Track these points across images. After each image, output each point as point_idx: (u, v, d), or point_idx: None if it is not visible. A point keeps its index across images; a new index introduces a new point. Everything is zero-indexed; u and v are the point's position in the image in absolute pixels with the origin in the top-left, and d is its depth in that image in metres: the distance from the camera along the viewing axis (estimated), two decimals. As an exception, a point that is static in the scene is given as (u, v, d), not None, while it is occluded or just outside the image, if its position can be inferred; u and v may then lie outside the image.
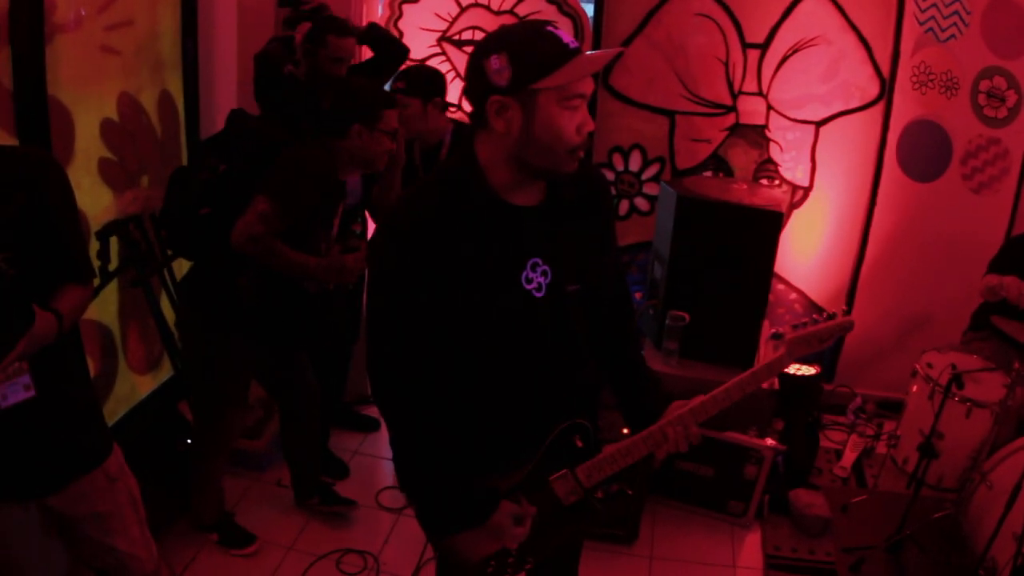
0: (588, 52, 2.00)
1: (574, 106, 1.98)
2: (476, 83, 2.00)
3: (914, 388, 4.56)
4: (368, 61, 4.48)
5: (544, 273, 2.15)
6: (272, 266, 3.37)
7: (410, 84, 4.13)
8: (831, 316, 2.26)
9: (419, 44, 5.11)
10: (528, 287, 2.14)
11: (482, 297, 2.09)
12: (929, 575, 4.00)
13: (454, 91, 5.15)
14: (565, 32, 2.00)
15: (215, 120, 4.53)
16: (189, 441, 4.05)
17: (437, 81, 4.16)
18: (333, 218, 3.57)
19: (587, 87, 2.00)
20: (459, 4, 5.11)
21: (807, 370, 4.88)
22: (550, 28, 1.99)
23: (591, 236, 2.29)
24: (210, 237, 3.39)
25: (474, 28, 5.17)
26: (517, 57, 1.93)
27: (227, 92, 4.69)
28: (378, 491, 4.46)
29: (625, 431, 2.41)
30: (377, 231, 2.17)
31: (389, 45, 4.48)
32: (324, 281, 3.52)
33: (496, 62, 1.94)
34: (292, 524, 4.21)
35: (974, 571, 3.54)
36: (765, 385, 4.32)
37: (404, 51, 4.55)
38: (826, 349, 5.18)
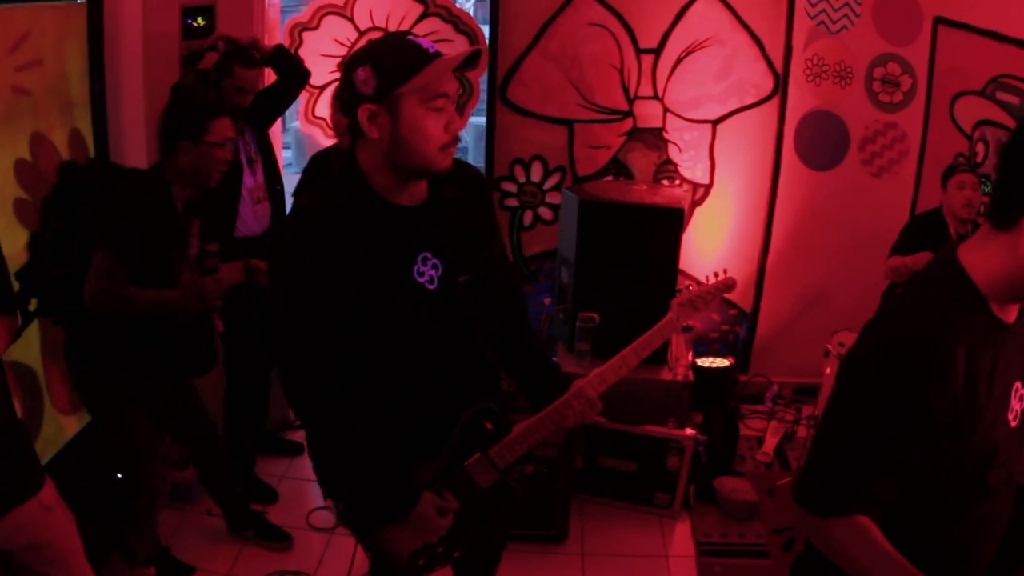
0: (445, 55, 2.11)
1: (438, 107, 2.10)
2: (348, 95, 2.13)
3: (828, 369, 4.65)
4: (271, 86, 4.50)
5: (435, 266, 2.28)
6: (134, 312, 3.30)
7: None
8: (716, 277, 2.50)
9: (320, 70, 5.14)
10: (420, 280, 2.25)
11: (378, 293, 2.19)
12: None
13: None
14: (425, 40, 2.12)
15: (123, 157, 4.55)
16: (119, 476, 4.02)
17: None
18: (186, 242, 3.47)
19: (449, 87, 2.12)
20: (357, 29, 5.17)
21: (721, 362, 4.99)
22: (410, 37, 2.12)
23: (476, 228, 2.41)
24: (68, 296, 3.32)
25: (374, 52, 5.20)
26: (380, 67, 2.06)
27: (136, 129, 4.67)
28: (308, 512, 4.47)
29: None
30: (272, 241, 2.26)
31: (293, 69, 4.51)
32: (189, 310, 3.40)
33: (362, 73, 2.07)
34: (227, 552, 4.20)
35: None
36: (680, 378, 4.46)
37: (306, 75, 4.58)
38: (737, 339, 5.34)
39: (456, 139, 2.18)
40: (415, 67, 2.04)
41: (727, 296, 5.54)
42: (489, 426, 2.40)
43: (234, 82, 4.10)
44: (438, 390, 2.35)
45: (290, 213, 2.26)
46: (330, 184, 2.30)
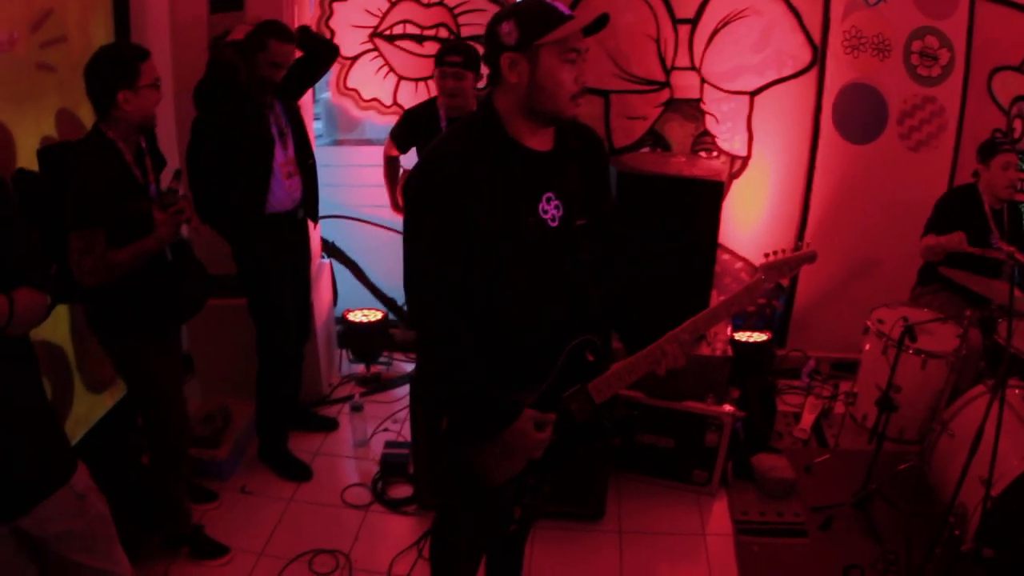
0: (582, 15, 2.35)
1: (571, 59, 2.36)
2: (492, 46, 2.42)
3: (867, 345, 4.59)
4: (300, 59, 4.41)
5: (557, 207, 2.54)
6: (125, 271, 3.32)
7: (467, 59, 4.39)
8: (799, 247, 2.52)
9: (351, 41, 5.15)
10: (544, 216, 2.51)
11: (506, 222, 2.43)
12: (899, 527, 4.06)
13: (388, 86, 5.19)
14: (562, 3, 2.37)
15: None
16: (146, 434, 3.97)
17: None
18: (144, 188, 3.47)
19: (580, 43, 2.38)
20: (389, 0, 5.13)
21: (758, 336, 4.94)
22: (549, 0, 2.37)
23: (592, 179, 2.68)
24: (70, 285, 3.32)
25: (405, 22, 5.20)
26: (523, 21, 2.34)
27: (164, 100, 4.64)
28: (343, 489, 4.46)
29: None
30: (416, 166, 2.50)
31: (322, 47, 4.47)
32: (164, 244, 3.45)
33: (506, 27, 2.35)
34: (262, 529, 4.20)
35: (944, 519, 3.58)
36: (719, 353, 4.41)
37: (335, 50, 4.53)
38: (776, 314, 5.30)
39: (583, 90, 2.42)
40: (553, 23, 2.31)
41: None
42: (591, 358, 2.63)
43: (268, 56, 4.04)
44: (547, 320, 2.58)
45: (429, 147, 2.48)
46: (467, 125, 2.51)
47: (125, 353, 3.62)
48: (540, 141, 2.50)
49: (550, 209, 2.51)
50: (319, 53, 4.43)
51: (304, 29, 4.44)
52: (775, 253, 2.51)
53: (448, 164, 2.41)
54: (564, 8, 2.36)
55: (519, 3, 2.41)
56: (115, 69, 3.27)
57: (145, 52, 3.38)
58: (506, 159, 2.44)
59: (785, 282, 5.64)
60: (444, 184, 2.39)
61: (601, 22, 2.34)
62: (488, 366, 2.48)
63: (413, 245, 2.49)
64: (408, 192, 2.49)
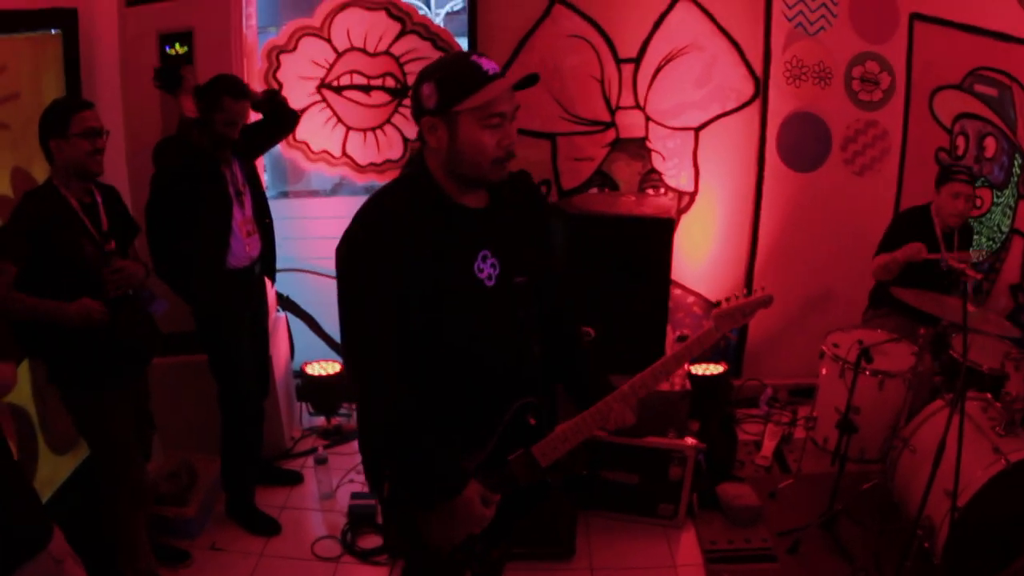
0: (504, 78, 2.26)
1: (494, 124, 2.25)
2: (415, 107, 2.33)
3: (824, 370, 4.65)
4: (259, 121, 4.47)
5: (494, 265, 2.42)
6: (20, 318, 3.30)
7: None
8: (753, 292, 2.46)
9: (299, 93, 5.15)
10: (480, 276, 2.39)
11: (440, 283, 2.32)
12: (867, 544, 4.12)
13: (336, 137, 5.26)
14: (488, 60, 2.27)
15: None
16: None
17: None
18: (79, 239, 3.46)
19: (505, 107, 2.26)
20: (335, 50, 5.16)
21: (715, 368, 4.99)
22: (474, 58, 2.27)
23: (531, 235, 2.58)
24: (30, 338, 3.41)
25: (352, 72, 5.22)
26: (442, 84, 2.24)
27: (116, 157, 4.65)
28: (313, 542, 4.44)
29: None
30: (346, 230, 2.35)
31: (285, 113, 4.49)
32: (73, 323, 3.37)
33: (427, 89, 2.26)
34: (232, 586, 4.20)
35: (912, 532, 3.65)
36: (677, 387, 4.46)
37: (296, 117, 4.58)
38: (730, 345, 5.35)
39: (509, 154, 2.31)
40: (473, 87, 2.21)
41: (714, 300, 5.60)
42: (532, 422, 2.53)
43: (224, 115, 4.06)
44: (487, 383, 2.47)
45: (361, 208, 2.38)
46: (398, 184, 2.43)
47: (83, 406, 3.62)
48: (474, 198, 2.42)
49: (486, 268, 2.41)
50: (282, 119, 4.47)
51: (272, 93, 4.49)
52: (727, 300, 2.46)
53: (376, 227, 2.32)
54: (491, 67, 2.26)
55: (443, 60, 2.38)
56: (49, 118, 3.39)
57: (82, 104, 3.48)
58: (438, 218, 2.34)
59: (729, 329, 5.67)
60: (373, 248, 2.29)
61: (528, 82, 2.29)
62: (433, 428, 2.37)
63: (346, 313, 2.37)
64: (338, 256, 2.36)
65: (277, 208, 4.68)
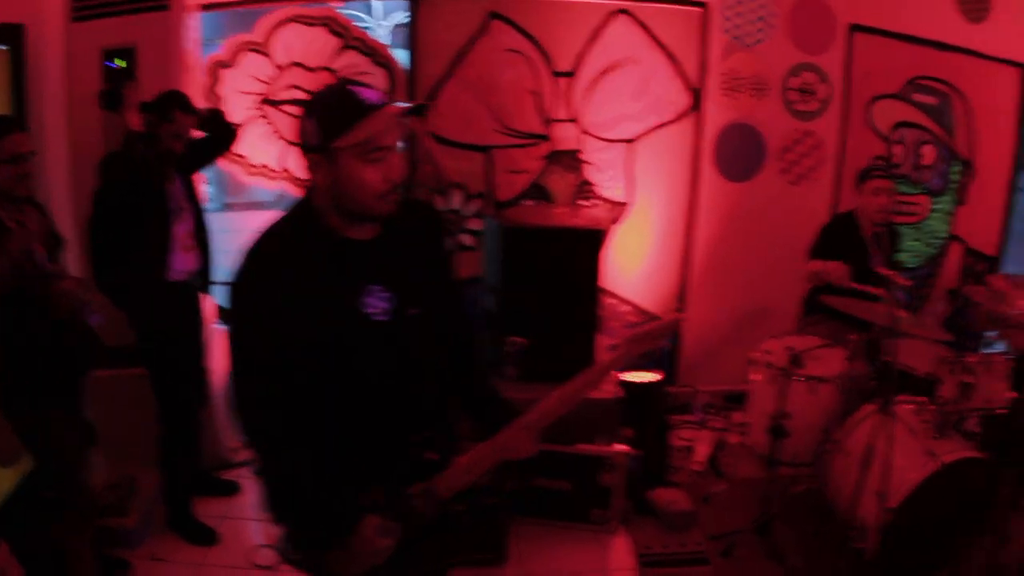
0: (393, 105, 2.18)
1: (376, 159, 2.16)
2: (300, 142, 2.23)
3: (755, 376, 4.72)
4: (202, 140, 4.48)
5: (386, 299, 2.30)
6: None
7: None
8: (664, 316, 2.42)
9: (238, 107, 5.18)
10: (370, 311, 2.28)
11: (329, 322, 2.22)
12: (800, 547, 4.20)
13: (276, 151, 5.30)
14: (368, 89, 2.18)
15: (49, 201, 4.53)
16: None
17: None
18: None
19: (388, 139, 2.18)
20: (276, 65, 5.20)
21: (649, 376, 5.05)
22: (352, 88, 2.19)
23: (427, 264, 2.48)
24: None
25: (293, 87, 5.25)
26: (323, 119, 2.16)
27: (60, 172, 4.74)
28: (251, 551, 4.49)
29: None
30: (236, 268, 2.28)
31: (227, 131, 4.54)
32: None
33: (308, 125, 2.18)
34: (172, 598, 4.22)
35: (845, 534, 3.73)
36: (609, 395, 4.52)
37: (235, 134, 4.62)
38: (664, 353, 5.40)
39: (394, 187, 2.22)
40: (351, 121, 2.13)
41: (648, 308, 5.66)
42: (433, 456, 2.43)
43: (173, 128, 4.10)
44: (384, 419, 2.38)
45: (249, 244, 2.27)
46: (285, 219, 2.33)
47: (26, 419, 3.57)
48: (362, 230, 2.30)
49: (376, 302, 2.29)
50: (223, 136, 4.52)
51: (216, 112, 4.54)
52: (636, 325, 2.45)
53: (260, 266, 2.24)
54: (371, 96, 2.17)
55: (323, 93, 2.27)
56: None
57: (10, 127, 3.48)
58: (324, 253, 2.25)
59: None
60: (257, 288, 2.22)
61: (416, 111, 2.27)
62: (328, 467, 2.28)
63: (233, 355, 2.29)
64: (229, 293, 2.28)
65: (220, 221, 4.69)
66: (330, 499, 2.28)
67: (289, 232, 2.30)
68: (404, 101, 5.06)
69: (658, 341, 2.44)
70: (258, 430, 2.30)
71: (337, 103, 2.18)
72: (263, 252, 2.27)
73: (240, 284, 2.25)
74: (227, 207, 5.68)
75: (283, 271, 2.21)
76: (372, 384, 2.34)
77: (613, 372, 2.46)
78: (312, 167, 2.22)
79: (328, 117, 2.16)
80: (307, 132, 2.19)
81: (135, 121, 4.10)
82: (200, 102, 4.82)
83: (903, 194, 5.43)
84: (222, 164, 5.27)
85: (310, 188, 2.31)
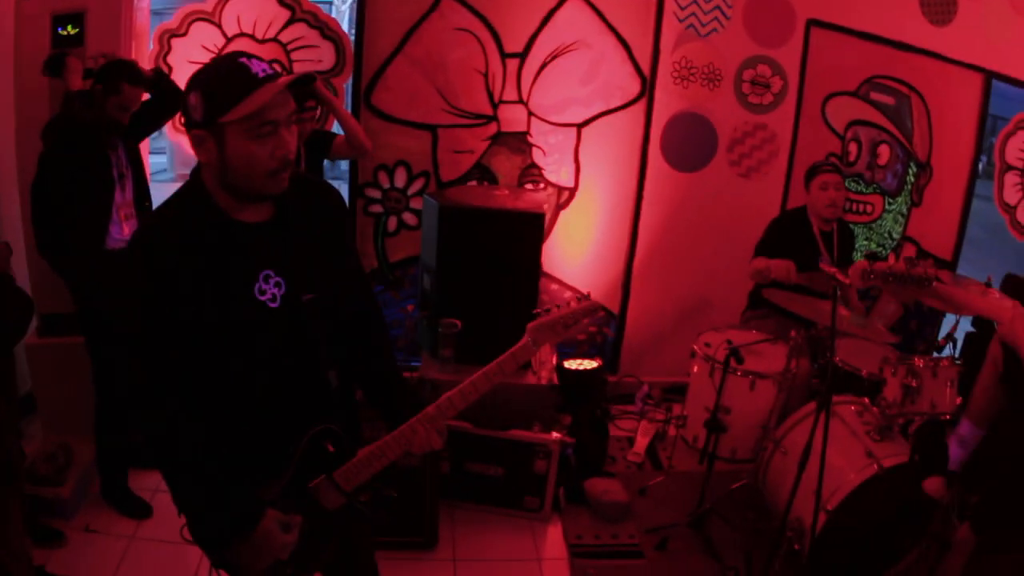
0: (282, 77, 2.07)
1: (265, 132, 2.07)
2: (184, 117, 2.14)
3: (695, 368, 4.71)
4: (145, 103, 4.38)
5: (278, 284, 2.24)
6: None
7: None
8: (579, 299, 2.37)
9: (188, 76, 5.04)
10: (262, 298, 2.21)
11: (218, 310, 2.16)
12: (737, 544, 4.17)
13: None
14: (259, 62, 2.08)
15: None
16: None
17: None
18: None
19: (277, 114, 2.08)
20: (225, 35, 5.12)
21: (588, 363, 5.02)
22: (242, 59, 2.08)
23: (324, 247, 2.38)
24: None
25: (240, 58, 5.15)
26: (207, 94, 2.05)
27: (6, 138, 4.71)
28: (183, 526, 4.40)
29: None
30: (123, 252, 2.22)
31: (170, 92, 4.44)
32: None
33: (193, 99, 2.08)
34: (106, 568, 4.13)
35: (781, 532, 3.66)
36: (544, 382, 4.48)
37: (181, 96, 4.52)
38: (607, 341, 5.37)
39: (285, 164, 2.13)
40: (238, 95, 2.03)
41: (593, 297, 5.61)
42: (331, 448, 2.38)
43: (120, 100, 4.05)
44: (279, 410, 2.33)
45: (138, 228, 2.19)
46: (173, 201, 2.22)
47: None
48: (254, 212, 2.23)
49: (269, 288, 2.22)
50: (169, 99, 4.43)
51: (158, 71, 4.46)
52: (546, 312, 2.34)
53: (146, 252, 2.13)
54: (261, 69, 2.07)
55: (210, 65, 2.15)
56: None
57: None
58: (214, 237, 2.16)
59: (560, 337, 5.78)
60: (144, 275, 2.11)
61: (302, 81, 2.12)
62: (223, 459, 2.23)
63: (123, 339, 2.21)
64: (116, 277, 2.24)
65: (170, 192, 4.65)
66: (227, 493, 2.23)
67: (178, 214, 2.19)
68: (349, 76, 5.07)
69: (571, 330, 2.36)
70: (150, 419, 2.22)
71: (224, 76, 2.07)
72: (151, 234, 2.18)
73: (128, 265, 2.15)
74: (181, 178, 5.57)
75: (171, 255, 2.11)
76: (266, 372, 2.29)
77: (517, 363, 2.35)
78: (197, 145, 2.12)
79: (214, 91, 2.06)
80: (191, 107, 2.09)
81: (75, 81, 4.04)
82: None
83: (856, 193, 5.43)
84: (169, 134, 5.22)
85: (198, 167, 2.21)
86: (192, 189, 2.20)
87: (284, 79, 2.07)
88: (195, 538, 2.37)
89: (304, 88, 2.22)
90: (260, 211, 2.24)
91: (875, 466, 3.64)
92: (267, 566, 2.30)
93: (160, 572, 4.11)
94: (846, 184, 4.91)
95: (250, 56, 2.10)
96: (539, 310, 2.34)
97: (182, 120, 2.17)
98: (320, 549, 2.44)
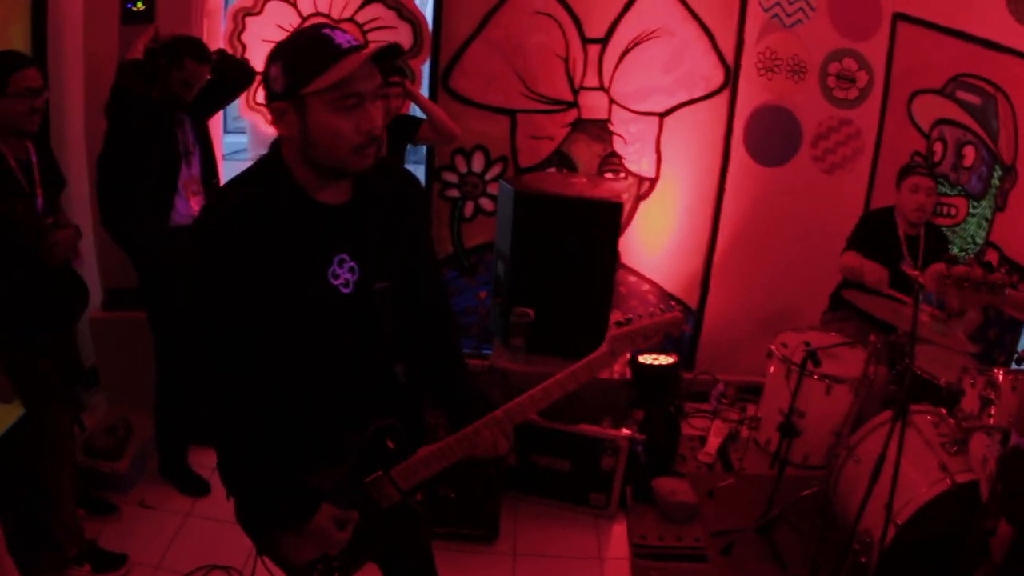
0: (358, 52, 1.99)
1: (349, 105, 1.99)
2: (265, 90, 2.06)
3: (771, 369, 4.57)
4: (213, 82, 4.33)
5: (352, 270, 2.17)
6: None
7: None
8: (662, 311, 2.26)
9: (262, 56, 4.99)
10: (335, 283, 2.15)
11: (290, 291, 2.09)
12: (803, 552, 4.03)
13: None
14: (343, 33, 2.01)
15: (64, 139, 4.59)
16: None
17: None
18: (13, 192, 3.48)
19: (362, 86, 2.00)
20: (300, 14, 5.08)
21: (664, 359, 4.91)
22: (325, 31, 2.01)
23: (400, 235, 2.31)
24: None
25: (315, 38, 5.13)
26: (289, 65, 1.98)
27: (75, 111, 4.73)
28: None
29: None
30: (190, 230, 2.16)
31: (239, 71, 4.45)
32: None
33: (274, 70, 2.00)
34: (158, 543, 4.14)
35: (848, 544, 3.55)
36: (617, 376, 4.38)
37: (252, 75, 4.52)
38: (683, 336, 5.28)
39: (371, 139, 2.06)
40: (323, 66, 1.96)
41: (671, 291, 5.52)
42: (391, 445, 2.32)
43: (182, 74, 4.03)
44: (343, 400, 2.28)
45: (209, 202, 2.11)
46: (250, 175, 2.15)
47: (10, 357, 3.58)
48: (334, 193, 2.16)
49: (343, 273, 2.16)
50: (235, 78, 4.42)
51: (223, 52, 4.45)
52: (628, 322, 2.25)
53: (220, 228, 2.05)
54: (344, 40, 2.00)
55: (293, 36, 2.08)
56: None
57: (24, 63, 3.41)
58: (290, 217, 2.09)
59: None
60: (215, 251, 2.04)
61: (389, 53, 2.02)
62: (281, 446, 2.19)
63: (187, 323, 2.15)
64: (184, 253, 2.12)
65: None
66: (285, 483, 2.18)
67: (254, 189, 2.12)
68: (427, 58, 5.01)
69: (652, 341, 2.27)
70: (211, 400, 2.17)
71: (306, 46, 2.00)
72: (225, 209, 2.09)
73: (197, 241, 2.09)
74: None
75: (244, 230, 2.04)
76: (332, 359, 2.23)
77: (593, 373, 2.27)
78: (277, 118, 2.04)
79: (296, 61, 1.99)
80: (272, 78, 2.01)
81: (137, 48, 4.09)
82: (218, 47, 4.77)
83: (940, 195, 5.26)
84: (243, 111, 5.19)
85: (277, 142, 2.14)
86: (270, 164, 2.14)
87: (369, 49, 1.98)
88: (243, 523, 2.32)
89: (390, 62, 2.14)
90: (339, 192, 2.18)
91: (948, 481, 3.46)
92: (316, 555, 2.25)
93: (213, 551, 4.09)
94: (934, 188, 4.76)
95: (333, 27, 2.04)
96: (621, 319, 2.24)
97: (260, 96, 2.10)
98: (369, 545, 2.38)
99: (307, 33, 2.05)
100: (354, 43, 2.01)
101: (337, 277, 2.15)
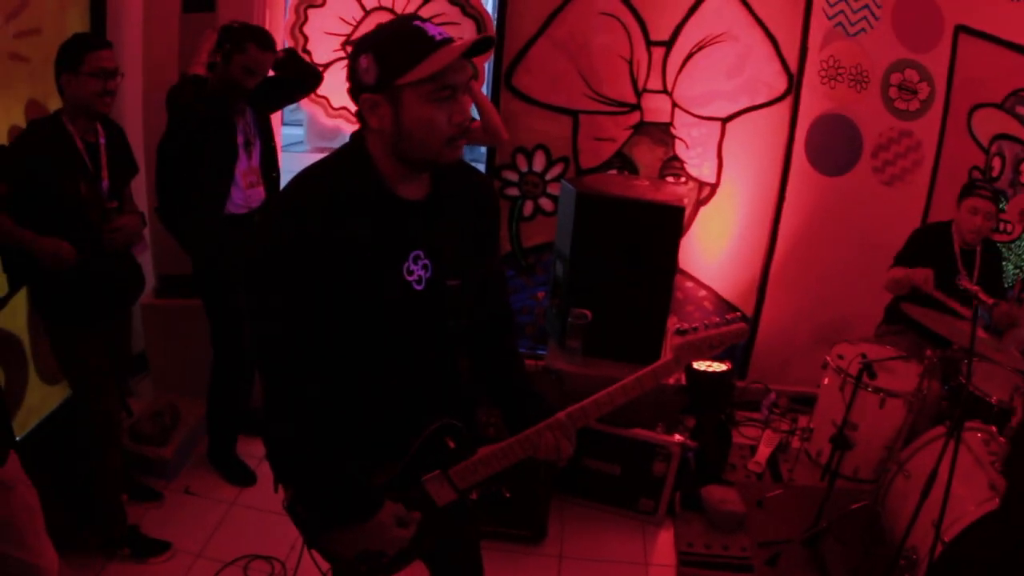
0: (452, 43, 1.98)
1: (443, 97, 1.99)
2: (352, 83, 2.05)
3: (825, 380, 4.54)
4: (279, 80, 4.38)
5: (425, 267, 2.17)
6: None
7: None
8: (728, 321, 2.22)
9: (324, 48, 5.09)
10: (409, 278, 2.15)
11: (364, 284, 2.08)
12: (849, 567, 3.99)
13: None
14: (434, 26, 2.00)
15: (124, 123, 4.53)
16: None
17: None
18: (79, 174, 3.52)
19: (456, 78, 2.00)
20: (363, 8, 5.07)
21: (718, 367, 4.87)
22: (417, 23, 2.00)
23: (472, 234, 2.31)
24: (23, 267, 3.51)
25: (379, 31, 5.13)
26: (381, 56, 1.97)
27: (134, 95, 4.74)
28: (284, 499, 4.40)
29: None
30: (260, 213, 2.16)
31: (305, 73, 4.46)
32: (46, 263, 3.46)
33: (364, 61, 1.98)
34: (201, 531, 4.17)
35: (895, 560, 3.52)
36: (671, 381, 4.36)
37: (319, 77, 4.54)
38: (738, 345, 5.25)
39: (464, 131, 2.06)
40: (417, 57, 1.95)
41: (727, 298, 5.49)
42: (452, 444, 2.33)
43: (244, 59, 3.97)
44: (407, 396, 2.28)
45: (286, 186, 2.09)
46: (331, 165, 2.15)
47: (61, 338, 3.66)
48: (414, 188, 2.16)
49: (416, 270, 2.16)
50: (301, 78, 4.43)
51: (291, 51, 4.46)
52: (693, 330, 2.20)
53: (296, 216, 2.02)
54: (435, 32, 1.99)
55: (382, 27, 2.05)
56: (63, 54, 3.41)
57: (100, 44, 3.48)
58: (371, 210, 2.08)
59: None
60: (289, 240, 2.01)
61: (482, 47, 2.00)
62: (342, 439, 2.17)
63: (256, 307, 2.11)
64: (253, 240, 2.08)
65: (301, 162, 4.67)
66: (352, 478, 2.18)
67: (334, 179, 2.11)
68: (490, 56, 5.00)
69: (717, 350, 2.22)
70: (275, 389, 2.15)
71: (400, 38, 1.99)
72: (303, 200, 2.07)
73: (271, 229, 2.07)
74: (315, 150, 5.58)
75: (321, 224, 2.02)
76: (400, 355, 2.24)
77: (658, 381, 2.25)
78: (368, 110, 2.03)
79: (390, 52, 1.97)
80: (362, 70, 2.00)
81: (199, 61, 4.15)
82: (283, 39, 4.77)
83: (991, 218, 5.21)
84: (304, 103, 5.19)
85: (360, 134, 2.13)
86: (353, 155, 2.12)
87: (461, 43, 1.97)
88: (296, 515, 2.32)
89: (482, 54, 2.12)
90: (419, 187, 2.18)
91: (997, 500, 3.40)
92: (365, 552, 2.25)
93: (256, 541, 4.12)
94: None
95: (423, 20, 2.03)
96: (682, 326, 2.20)
97: (347, 88, 2.07)
98: (420, 542, 2.36)
99: (398, 25, 2.04)
100: (445, 36, 2.00)
101: (411, 273, 2.15)
